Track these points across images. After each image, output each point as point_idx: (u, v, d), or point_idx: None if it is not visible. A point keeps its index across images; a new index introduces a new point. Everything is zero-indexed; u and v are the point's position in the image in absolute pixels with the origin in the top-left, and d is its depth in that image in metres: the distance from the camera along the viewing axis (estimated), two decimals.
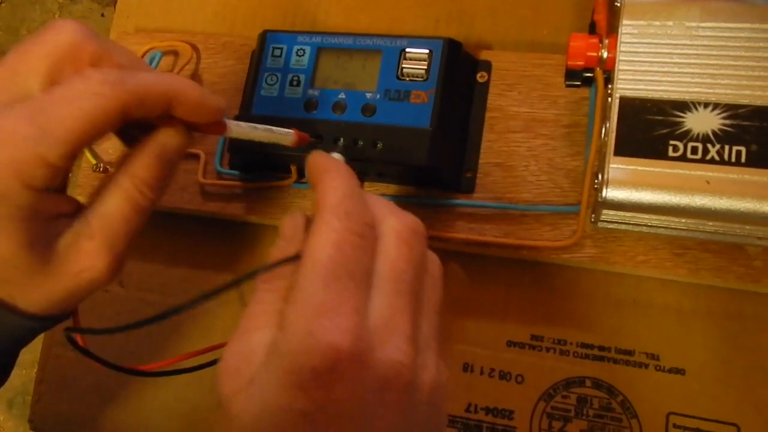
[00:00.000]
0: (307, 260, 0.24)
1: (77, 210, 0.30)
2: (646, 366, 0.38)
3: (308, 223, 0.29)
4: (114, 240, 0.29)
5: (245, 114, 0.41)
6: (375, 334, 0.24)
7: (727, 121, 0.31)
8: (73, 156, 0.27)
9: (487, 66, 0.42)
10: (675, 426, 0.37)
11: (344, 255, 0.24)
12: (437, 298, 0.28)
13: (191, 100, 0.29)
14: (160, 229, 0.46)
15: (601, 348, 0.38)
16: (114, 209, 0.29)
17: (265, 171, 0.43)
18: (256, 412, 0.23)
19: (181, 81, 0.29)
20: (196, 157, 0.44)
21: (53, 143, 0.26)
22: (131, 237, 0.30)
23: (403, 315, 0.25)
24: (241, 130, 0.32)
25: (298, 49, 0.41)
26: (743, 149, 0.31)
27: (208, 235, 0.45)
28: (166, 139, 0.30)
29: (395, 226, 0.27)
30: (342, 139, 0.38)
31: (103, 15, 1.36)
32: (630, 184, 0.32)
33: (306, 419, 0.23)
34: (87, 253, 0.29)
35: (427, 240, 0.28)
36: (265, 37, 0.42)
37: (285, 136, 0.34)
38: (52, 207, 0.28)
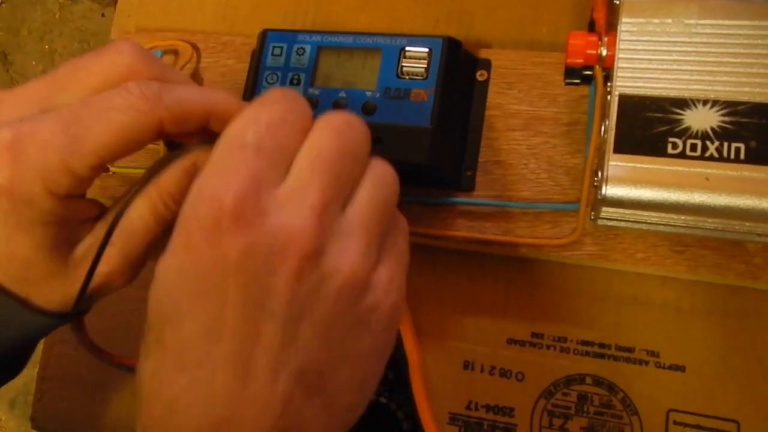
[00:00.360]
0: (221, 137, 0.24)
1: (100, 214, 0.30)
2: (647, 363, 0.38)
3: None
4: (133, 248, 0.30)
5: None
6: (274, 200, 0.23)
7: (726, 118, 0.31)
8: (100, 167, 0.27)
9: (486, 64, 0.42)
10: (675, 423, 0.37)
11: (257, 131, 0.24)
12: (379, 199, 0.26)
13: (229, 115, 0.28)
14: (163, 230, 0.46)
15: (602, 345, 0.39)
16: (137, 218, 0.29)
17: None
18: (158, 280, 0.24)
19: (220, 96, 0.29)
20: None
21: (82, 154, 0.26)
22: (150, 246, 0.30)
23: (312, 188, 0.23)
24: None
25: (298, 48, 0.41)
26: (742, 146, 0.31)
27: None
28: (199, 155, 0.29)
29: (328, 116, 0.26)
30: None
31: (103, 15, 1.36)
32: (629, 182, 0.32)
33: (200, 279, 0.23)
34: (106, 258, 0.29)
35: (367, 136, 0.26)
36: (265, 36, 0.42)
37: None
38: (74, 212, 0.29)
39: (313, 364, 0.23)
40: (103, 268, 0.29)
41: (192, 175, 0.29)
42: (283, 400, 0.22)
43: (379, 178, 0.26)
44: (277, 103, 0.25)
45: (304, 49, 0.41)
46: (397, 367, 0.37)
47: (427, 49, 0.39)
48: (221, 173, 0.23)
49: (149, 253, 0.31)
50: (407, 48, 0.39)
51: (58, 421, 0.45)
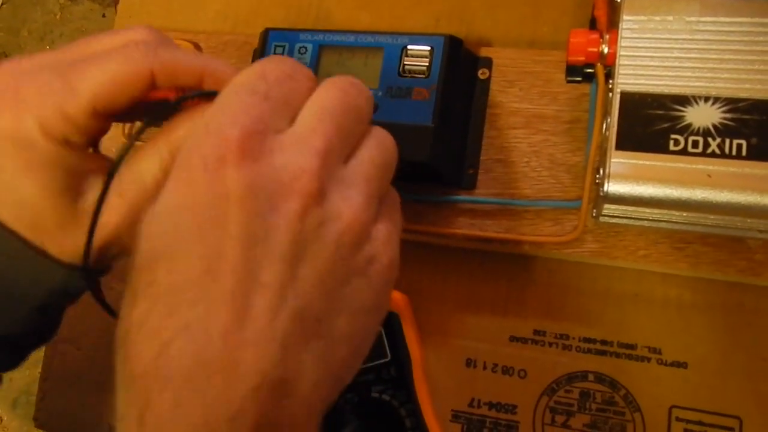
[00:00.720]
0: (229, 84, 0.24)
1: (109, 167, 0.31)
2: (648, 360, 0.38)
3: None
4: (143, 202, 0.29)
5: None
6: (279, 142, 0.23)
7: (728, 115, 0.31)
8: (93, 114, 0.28)
9: (487, 63, 0.42)
10: (677, 419, 0.37)
11: (266, 81, 0.24)
12: (380, 159, 0.26)
13: (224, 77, 0.28)
14: None
15: (604, 342, 0.39)
16: (147, 172, 0.29)
17: None
18: (154, 217, 0.23)
19: (217, 62, 0.29)
20: None
21: (75, 98, 0.27)
22: None
23: (317, 134, 0.24)
24: None
25: (300, 47, 0.41)
26: (744, 142, 0.31)
27: None
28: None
29: (333, 78, 0.26)
30: None
31: (104, 15, 1.37)
32: (631, 178, 0.32)
33: (200, 214, 0.22)
34: (115, 208, 0.29)
35: (370, 99, 0.27)
36: (267, 36, 0.42)
37: None
38: (80, 162, 0.29)
39: (312, 309, 0.22)
40: (111, 218, 0.29)
41: None
42: (282, 342, 0.21)
43: (380, 140, 0.27)
44: (284, 63, 0.26)
45: (305, 48, 0.41)
46: (399, 364, 0.38)
47: (428, 48, 0.39)
48: (229, 111, 0.23)
49: None
50: (409, 47, 0.39)
51: (60, 420, 0.45)
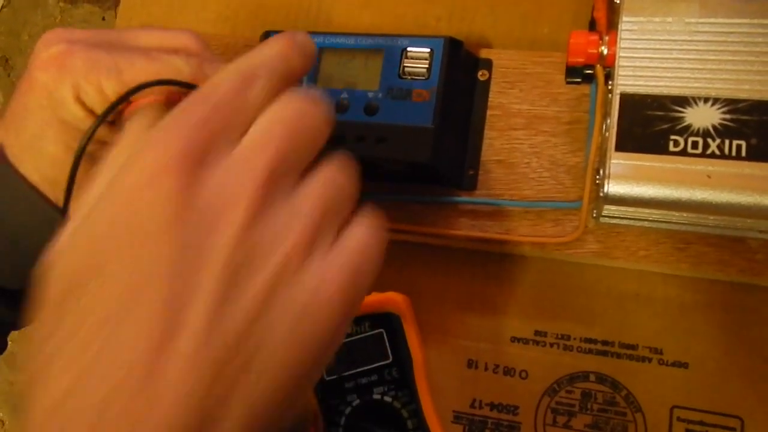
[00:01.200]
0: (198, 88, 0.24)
1: None
2: (650, 360, 0.38)
3: None
4: None
5: None
6: (222, 158, 0.22)
7: (727, 116, 0.32)
8: (125, 100, 0.29)
9: (488, 64, 0.42)
10: (679, 419, 0.37)
11: (224, 89, 0.23)
12: (336, 183, 0.24)
13: None
14: None
15: (605, 342, 0.39)
16: None
17: None
18: (80, 231, 0.22)
19: None
20: None
21: (115, 79, 0.29)
22: None
23: (263, 154, 0.22)
24: None
25: None
26: (743, 143, 0.31)
27: None
28: None
29: (294, 90, 0.25)
30: (345, 139, 0.39)
31: (104, 19, 1.37)
32: (631, 179, 0.32)
33: (133, 229, 0.21)
34: None
35: (330, 118, 0.25)
36: (266, 38, 0.42)
37: None
38: (102, 132, 0.30)
39: (240, 346, 0.20)
40: None
41: None
42: (212, 367, 0.20)
43: (340, 164, 0.25)
44: (261, 75, 0.25)
45: None
46: (401, 365, 0.38)
47: (428, 50, 0.39)
48: (180, 121, 0.22)
49: None
50: (409, 48, 0.40)
51: None
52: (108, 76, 0.29)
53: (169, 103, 0.30)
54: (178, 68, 0.30)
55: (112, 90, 0.29)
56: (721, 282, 0.37)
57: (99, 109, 0.29)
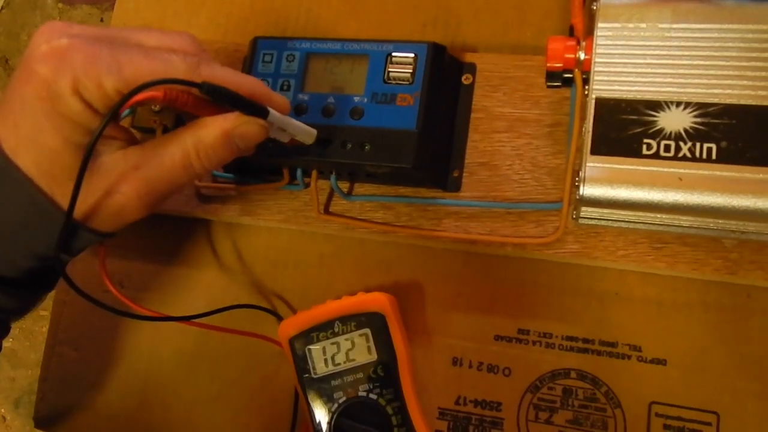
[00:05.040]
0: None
1: (130, 141, 0.34)
2: (629, 357, 0.39)
3: None
4: (155, 182, 0.33)
5: None
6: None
7: (699, 120, 0.32)
8: (122, 94, 0.30)
9: (471, 68, 0.43)
10: (657, 415, 0.38)
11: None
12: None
13: (258, 96, 0.33)
14: (158, 231, 0.47)
15: (585, 340, 0.40)
16: (168, 157, 0.33)
17: (258, 174, 0.44)
18: None
19: (250, 80, 0.34)
20: None
21: (116, 77, 0.30)
22: (170, 189, 0.34)
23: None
24: (278, 117, 0.35)
25: (287, 55, 0.42)
26: (714, 146, 0.32)
27: (205, 236, 0.47)
28: (238, 121, 0.33)
29: None
30: (331, 142, 0.40)
31: (102, 20, 1.38)
32: (606, 182, 0.33)
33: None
34: (127, 178, 0.32)
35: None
36: (256, 44, 0.43)
37: (308, 134, 0.38)
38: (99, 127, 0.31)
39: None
40: (123, 187, 0.32)
41: (229, 137, 0.33)
42: None
43: None
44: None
45: (293, 55, 0.42)
46: (386, 364, 0.39)
47: (412, 55, 0.40)
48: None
49: (166, 194, 0.34)
50: (393, 53, 0.40)
51: (59, 420, 0.46)
52: (108, 72, 0.30)
53: (167, 100, 0.31)
54: (176, 67, 0.31)
55: (112, 86, 0.30)
56: (698, 280, 0.38)
57: (97, 103, 0.30)
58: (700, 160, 0.32)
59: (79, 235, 0.33)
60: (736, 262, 0.37)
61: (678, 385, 0.38)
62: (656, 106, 0.33)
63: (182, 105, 0.31)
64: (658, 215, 0.34)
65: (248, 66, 0.43)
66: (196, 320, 0.41)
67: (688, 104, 0.33)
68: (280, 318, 0.43)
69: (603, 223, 0.37)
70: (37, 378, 0.48)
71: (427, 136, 0.39)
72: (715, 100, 0.32)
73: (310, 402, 0.39)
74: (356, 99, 0.40)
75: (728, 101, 0.32)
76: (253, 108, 0.33)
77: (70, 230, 0.32)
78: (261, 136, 0.34)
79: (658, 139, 0.33)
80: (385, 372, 0.39)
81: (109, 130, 0.32)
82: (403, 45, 0.41)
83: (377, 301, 0.39)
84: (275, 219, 0.44)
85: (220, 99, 0.32)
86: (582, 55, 0.35)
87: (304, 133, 0.38)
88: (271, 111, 0.34)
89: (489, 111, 0.42)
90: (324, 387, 0.39)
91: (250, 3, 0.49)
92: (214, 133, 0.33)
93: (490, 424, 0.40)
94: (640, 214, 0.35)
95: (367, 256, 0.44)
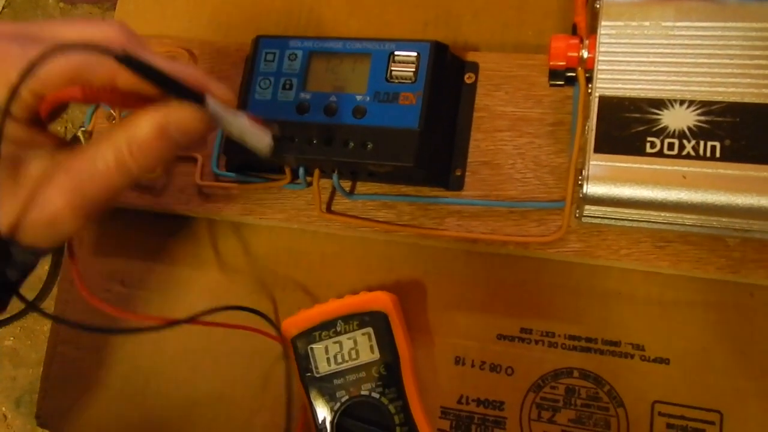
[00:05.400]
0: None
1: (59, 146, 0.31)
2: (632, 356, 0.39)
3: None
4: (89, 189, 0.29)
5: None
6: None
7: (702, 118, 0.32)
8: (41, 97, 0.28)
9: (474, 67, 0.43)
10: (660, 414, 0.38)
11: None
12: None
13: (193, 83, 0.30)
14: (160, 230, 0.47)
15: (588, 339, 0.40)
16: (100, 161, 0.29)
17: (259, 172, 0.44)
18: None
19: (183, 67, 0.30)
20: (194, 160, 0.46)
21: (30, 76, 0.27)
22: (107, 196, 0.30)
23: None
24: (219, 109, 0.30)
25: (290, 54, 0.42)
26: (717, 144, 0.32)
27: (207, 235, 0.47)
28: (171, 110, 0.29)
29: None
30: (333, 141, 0.40)
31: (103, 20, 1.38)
32: (609, 180, 0.33)
33: None
34: (57, 186, 0.29)
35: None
36: (258, 43, 0.43)
37: (262, 139, 0.32)
38: (23, 134, 0.29)
39: None
40: (54, 195, 0.29)
41: (164, 130, 0.29)
42: None
43: None
44: None
45: (295, 54, 0.42)
46: (388, 363, 0.39)
47: (415, 54, 0.40)
48: None
49: (103, 201, 0.30)
50: (396, 52, 0.40)
51: (61, 419, 0.46)
52: (16, 69, 0.27)
53: (88, 98, 0.29)
54: (93, 62, 0.28)
55: (24, 87, 0.28)
56: (701, 279, 0.38)
57: (19, 110, 0.28)
58: (704, 158, 0.32)
59: (13, 251, 0.30)
60: (739, 261, 0.37)
61: (681, 384, 0.38)
62: (659, 104, 0.33)
63: (108, 101, 0.29)
64: (662, 213, 0.34)
65: (250, 65, 0.43)
66: (198, 319, 0.41)
67: (691, 102, 0.33)
68: (273, 324, 0.43)
69: (606, 221, 0.37)
70: (38, 377, 0.48)
71: (430, 135, 0.39)
72: (719, 98, 0.32)
73: (313, 401, 0.39)
74: (358, 98, 0.40)
75: (732, 99, 0.32)
76: (183, 90, 0.29)
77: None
78: (200, 127, 0.30)
79: (661, 138, 0.33)
80: (387, 371, 0.39)
81: (36, 136, 0.30)
82: (405, 44, 0.40)
83: (380, 300, 0.39)
84: (277, 218, 0.44)
85: (140, 71, 0.28)
86: (585, 54, 0.35)
87: (253, 135, 0.32)
88: (210, 98, 0.30)
89: (491, 110, 0.42)
90: (326, 386, 0.39)
91: (252, 2, 0.49)
92: (147, 127, 0.29)
93: (493, 423, 0.40)
94: (643, 212, 0.35)
95: (369, 255, 0.43)
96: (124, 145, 0.29)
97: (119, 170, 0.30)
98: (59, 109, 0.31)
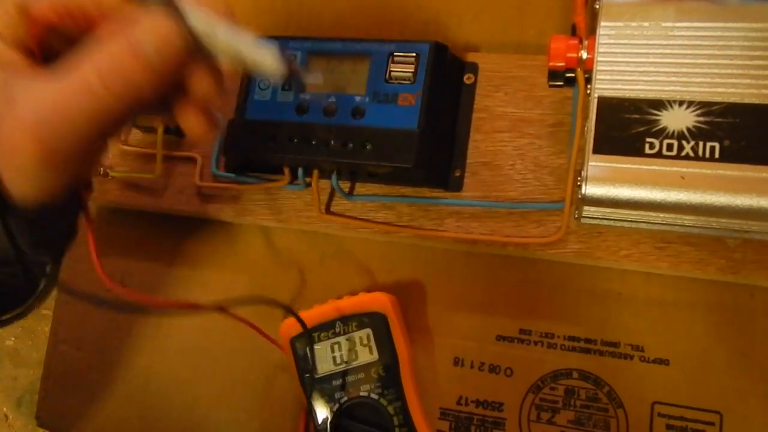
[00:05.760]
0: None
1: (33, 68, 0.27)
2: (631, 357, 0.39)
3: None
4: (55, 123, 0.25)
5: (239, 118, 0.42)
6: None
7: (701, 119, 0.32)
8: (25, 14, 0.27)
9: (473, 68, 0.43)
10: (660, 415, 0.38)
11: None
12: None
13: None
14: (160, 230, 0.47)
15: (588, 340, 0.39)
16: (67, 82, 0.25)
17: (258, 173, 0.44)
18: None
19: None
20: (193, 160, 0.46)
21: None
22: (79, 131, 0.26)
23: None
24: (202, 20, 0.26)
25: (289, 54, 0.42)
26: (716, 145, 0.32)
27: (206, 236, 0.47)
28: (143, 22, 0.26)
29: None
30: (332, 142, 0.40)
31: None
32: (608, 181, 0.33)
33: None
34: (16, 119, 0.25)
35: None
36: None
37: (265, 55, 0.28)
38: (14, 57, 0.27)
39: None
40: (13, 134, 0.25)
41: (136, 47, 0.26)
42: None
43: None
44: None
45: (295, 55, 0.42)
46: (387, 364, 0.39)
47: (414, 54, 0.40)
48: None
49: (75, 139, 0.26)
50: (395, 53, 0.40)
51: (61, 419, 0.46)
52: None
53: (69, 17, 0.27)
54: None
55: (11, 2, 0.26)
56: (701, 280, 0.38)
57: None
58: (703, 159, 0.32)
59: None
60: (739, 262, 0.37)
61: (681, 385, 0.38)
62: (659, 104, 0.33)
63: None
64: (661, 214, 0.34)
65: None
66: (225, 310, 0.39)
67: (690, 103, 0.32)
68: (299, 319, 0.40)
69: (605, 222, 0.37)
70: (39, 377, 0.48)
71: (429, 135, 0.39)
72: (718, 99, 0.32)
73: (312, 402, 0.39)
74: (357, 99, 0.40)
75: (731, 100, 0.32)
76: None
77: None
78: (177, 42, 0.26)
79: (660, 138, 0.32)
80: (386, 372, 0.39)
81: (28, 67, 0.27)
82: (404, 44, 0.40)
83: (379, 301, 0.39)
84: (276, 218, 0.44)
85: None
86: (584, 54, 0.35)
87: (252, 50, 0.27)
88: (186, 7, 0.25)
89: (491, 111, 0.42)
90: (325, 387, 0.39)
91: (252, 2, 0.49)
92: (117, 45, 0.25)
93: (492, 424, 0.40)
94: (643, 213, 0.34)
95: (368, 256, 0.43)
96: (93, 67, 0.26)
97: (87, 96, 0.25)
98: (50, 36, 0.27)
